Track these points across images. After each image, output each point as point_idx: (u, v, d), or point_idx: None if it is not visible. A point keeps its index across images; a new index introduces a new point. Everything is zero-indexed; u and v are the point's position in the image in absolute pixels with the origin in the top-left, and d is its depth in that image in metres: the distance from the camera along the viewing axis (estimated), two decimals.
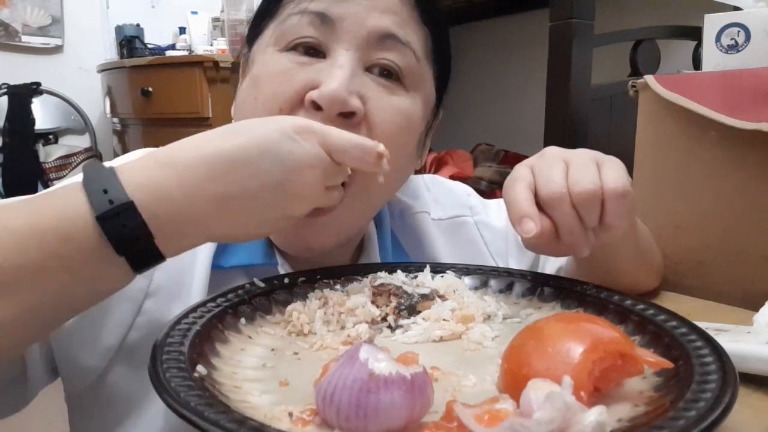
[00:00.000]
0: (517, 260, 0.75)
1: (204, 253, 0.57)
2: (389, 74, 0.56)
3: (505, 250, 0.75)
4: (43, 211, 0.40)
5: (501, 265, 0.73)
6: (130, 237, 0.40)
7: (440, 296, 0.52)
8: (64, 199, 0.40)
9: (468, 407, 0.32)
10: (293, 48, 0.56)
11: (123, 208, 0.39)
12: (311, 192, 0.46)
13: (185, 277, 0.56)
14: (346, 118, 0.53)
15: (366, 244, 0.68)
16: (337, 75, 0.52)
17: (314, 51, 0.55)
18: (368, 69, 0.56)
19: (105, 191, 0.40)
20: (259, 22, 0.61)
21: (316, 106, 0.53)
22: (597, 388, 0.35)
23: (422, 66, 0.58)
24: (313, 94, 0.53)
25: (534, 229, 0.48)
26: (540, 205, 0.50)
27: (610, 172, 0.50)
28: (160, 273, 0.54)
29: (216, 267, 0.58)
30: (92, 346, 0.53)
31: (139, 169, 0.42)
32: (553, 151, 0.54)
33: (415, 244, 0.71)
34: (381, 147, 0.48)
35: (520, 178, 0.51)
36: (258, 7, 0.63)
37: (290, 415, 0.34)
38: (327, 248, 0.59)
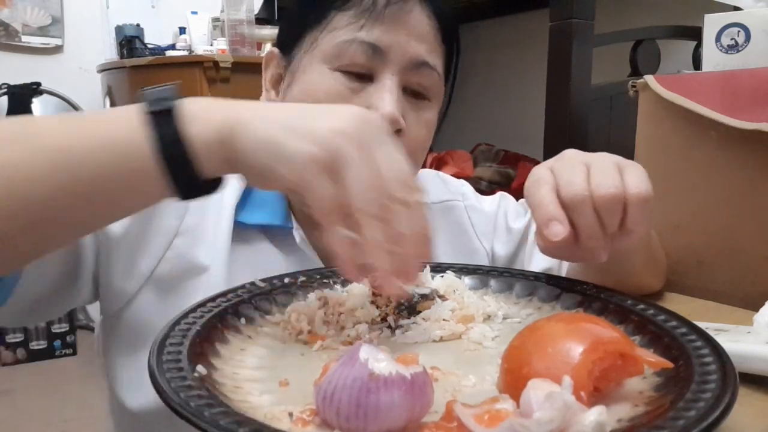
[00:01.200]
0: (504, 244, 0.80)
1: (228, 208, 0.66)
2: (419, 93, 0.67)
3: (491, 233, 0.80)
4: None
5: (485, 245, 0.80)
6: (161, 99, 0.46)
7: (440, 296, 0.52)
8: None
9: (468, 407, 0.32)
10: (345, 71, 0.64)
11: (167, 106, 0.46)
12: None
13: (211, 225, 0.65)
14: (395, 133, 0.63)
15: None
16: (388, 99, 0.62)
17: (363, 74, 0.64)
18: (403, 88, 0.66)
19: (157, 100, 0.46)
20: (298, 27, 0.68)
21: None
22: (597, 388, 0.36)
23: (441, 80, 0.70)
24: None
25: (563, 232, 0.47)
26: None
27: (633, 176, 0.49)
28: (189, 217, 0.65)
29: (238, 223, 0.66)
30: (129, 270, 0.62)
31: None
32: (572, 153, 0.53)
33: None
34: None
35: (542, 180, 0.50)
36: (291, 10, 0.71)
37: (290, 415, 0.34)
38: None
